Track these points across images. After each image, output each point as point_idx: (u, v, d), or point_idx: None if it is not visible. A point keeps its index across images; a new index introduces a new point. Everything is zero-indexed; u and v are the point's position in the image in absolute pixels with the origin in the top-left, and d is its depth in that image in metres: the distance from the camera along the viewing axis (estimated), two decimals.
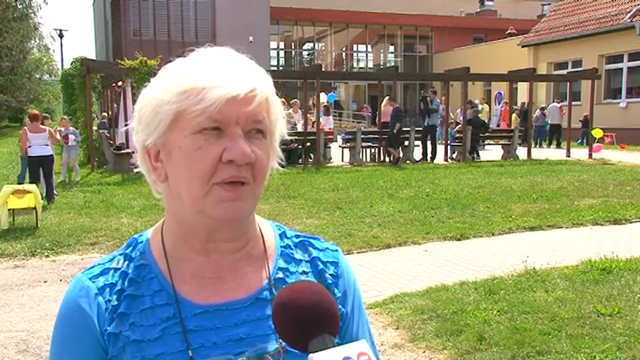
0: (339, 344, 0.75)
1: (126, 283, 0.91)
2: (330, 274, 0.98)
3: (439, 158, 16.47)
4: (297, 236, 1.02)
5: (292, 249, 0.99)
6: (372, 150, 17.10)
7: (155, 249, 0.94)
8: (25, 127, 10.34)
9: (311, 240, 1.02)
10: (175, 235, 0.92)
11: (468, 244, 7.08)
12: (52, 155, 10.33)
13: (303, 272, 0.97)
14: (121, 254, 0.95)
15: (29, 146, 10.16)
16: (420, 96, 17.63)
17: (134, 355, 0.86)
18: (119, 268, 0.93)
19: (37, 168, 10.18)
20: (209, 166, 0.83)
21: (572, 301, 4.67)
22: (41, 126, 10.44)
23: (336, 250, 1.03)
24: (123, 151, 14.53)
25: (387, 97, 16.92)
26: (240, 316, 0.90)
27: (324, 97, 21.01)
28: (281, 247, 0.99)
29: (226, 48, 0.90)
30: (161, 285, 0.91)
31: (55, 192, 10.35)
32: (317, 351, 0.73)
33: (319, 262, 0.99)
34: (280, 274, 0.95)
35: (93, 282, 0.91)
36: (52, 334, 0.93)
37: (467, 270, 5.94)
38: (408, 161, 15.87)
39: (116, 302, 0.89)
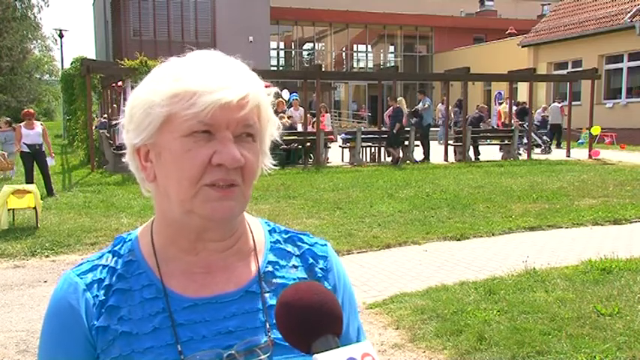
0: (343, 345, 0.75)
1: (114, 279, 0.92)
2: (320, 268, 0.99)
3: (439, 158, 16.46)
4: (286, 232, 1.03)
5: (282, 244, 1.00)
6: (372, 150, 17.10)
7: (144, 247, 0.95)
8: (20, 124, 10.86)
9: (300, 235, 1.03)
10: (165, 236, 0.93)
11: (467, 244, 7.08)
12: (43, 151, 10.72)
13: (293, 266, 0.98)
14: (109, 251, 0.96)
15: (23, 142, 10.52)
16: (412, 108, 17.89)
17: (123, 349, 0.87)
18: (107, 265, 0.93)
19: (32, 162, 10.56)
20: (198, 168, 0.84)
21: (572, 301, 4.67)
22: (35, 121, 10.89)
23: (325, 245, 1.04)
24: (123, 151, 14.48)
25: (399, 98, 16.84)
26: (229, 309, 0.91)
27: (286, 95, 20.89)
28: (270, 242, 1.00)
29: (219, 52, 0.90)
30: (150, 280, 0.91)
31: (53, 188, 10.63)
32: (321, 352, 0.73)
33: (309, 256, 1.00)
34: (270, 268, 0.96)
35: (81, 278, 0.92)
36: (41, 329, 0.94)
37: (467, 270, 5.94)
38: (408, 161, 15.87)
39: (104, 297, 0.90)
